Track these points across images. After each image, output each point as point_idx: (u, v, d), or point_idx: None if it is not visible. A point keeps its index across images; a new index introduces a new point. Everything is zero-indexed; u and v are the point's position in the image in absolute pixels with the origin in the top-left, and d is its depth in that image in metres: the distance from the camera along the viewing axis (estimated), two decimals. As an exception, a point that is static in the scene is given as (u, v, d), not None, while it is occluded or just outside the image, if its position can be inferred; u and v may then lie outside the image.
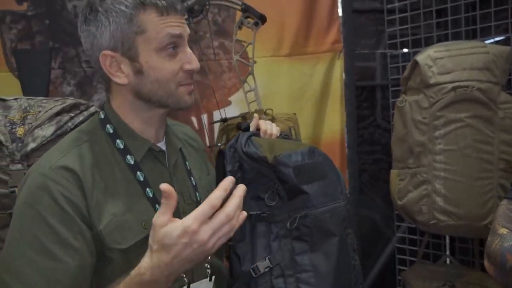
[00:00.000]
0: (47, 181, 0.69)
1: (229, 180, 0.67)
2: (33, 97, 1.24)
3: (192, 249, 0.62)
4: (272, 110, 1.47)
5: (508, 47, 1.53)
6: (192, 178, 0.87)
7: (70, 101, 1.22)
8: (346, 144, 2.03)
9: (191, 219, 0.62)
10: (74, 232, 0.68)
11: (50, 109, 1.17)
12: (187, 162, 0.89)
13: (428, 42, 1.96)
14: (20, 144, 1.11)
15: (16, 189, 1.10)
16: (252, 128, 0.94)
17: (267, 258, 0.77)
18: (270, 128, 0.94)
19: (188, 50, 0.76)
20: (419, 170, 1.56)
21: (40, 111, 1.17)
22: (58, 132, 1.15)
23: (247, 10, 1.35)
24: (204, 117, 1.91)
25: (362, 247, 2.01)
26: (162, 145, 0.83)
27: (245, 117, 1.43)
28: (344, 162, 2.03)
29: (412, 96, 1.61)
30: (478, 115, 1.48)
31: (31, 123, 1.14)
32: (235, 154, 0.82)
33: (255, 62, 1.52)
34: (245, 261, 0.79)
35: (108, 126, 0.78)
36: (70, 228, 0.68)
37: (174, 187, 0.79)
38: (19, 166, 1.11)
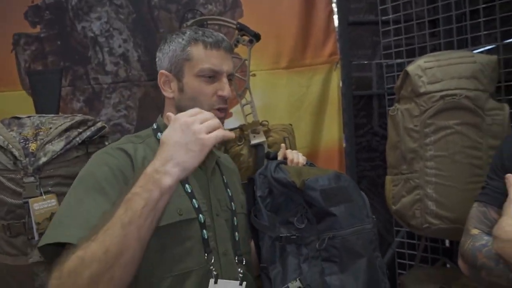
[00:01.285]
0: (106, 155, 0.87)
1: None
2: (44, 115, 1.35)
3: (180, 131, 0.72)
4: (267, 121, 1.54)
5: (494, 56, 1.58)
6: (228, 190, 0.98)
7: (78, 117, 1.32)
8: (344, 152, 2.09)
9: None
10: (115, 191, 0.80)
11: (60, 125, 1.27)
12: (224, 176, 1.01)
13: (422, 52, 2.01)
14: (32, 159, 1.21)
15: (29, 201, 1.20)
16: (279, 157, 1.03)
17: (298, 279, 0.80)
18: (296, 157, 1.05)
19: (224, 80, 0.94)
20: (411, 176, 1.61)
21: (51, 128, 1.27)
22: (67, 146, 1.25)
23: (242, 29, 1.43)
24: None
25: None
26: None
27: (242, 129, 1.51)
28: (343, 169, 2.08)
29: (405, 104, 1.67)
30: (467, 122, 1.53)
31: (42, 139, 1.24)
32: (265, 180, 0.90)
33: (254, 75, 1.61)
34: (276, 282, 0.83)
35: (159, 133, 0.96)
36: (113, 188, 0.80)
37: (209, 189, 0.93)
38: (31, 179, 1.21)
